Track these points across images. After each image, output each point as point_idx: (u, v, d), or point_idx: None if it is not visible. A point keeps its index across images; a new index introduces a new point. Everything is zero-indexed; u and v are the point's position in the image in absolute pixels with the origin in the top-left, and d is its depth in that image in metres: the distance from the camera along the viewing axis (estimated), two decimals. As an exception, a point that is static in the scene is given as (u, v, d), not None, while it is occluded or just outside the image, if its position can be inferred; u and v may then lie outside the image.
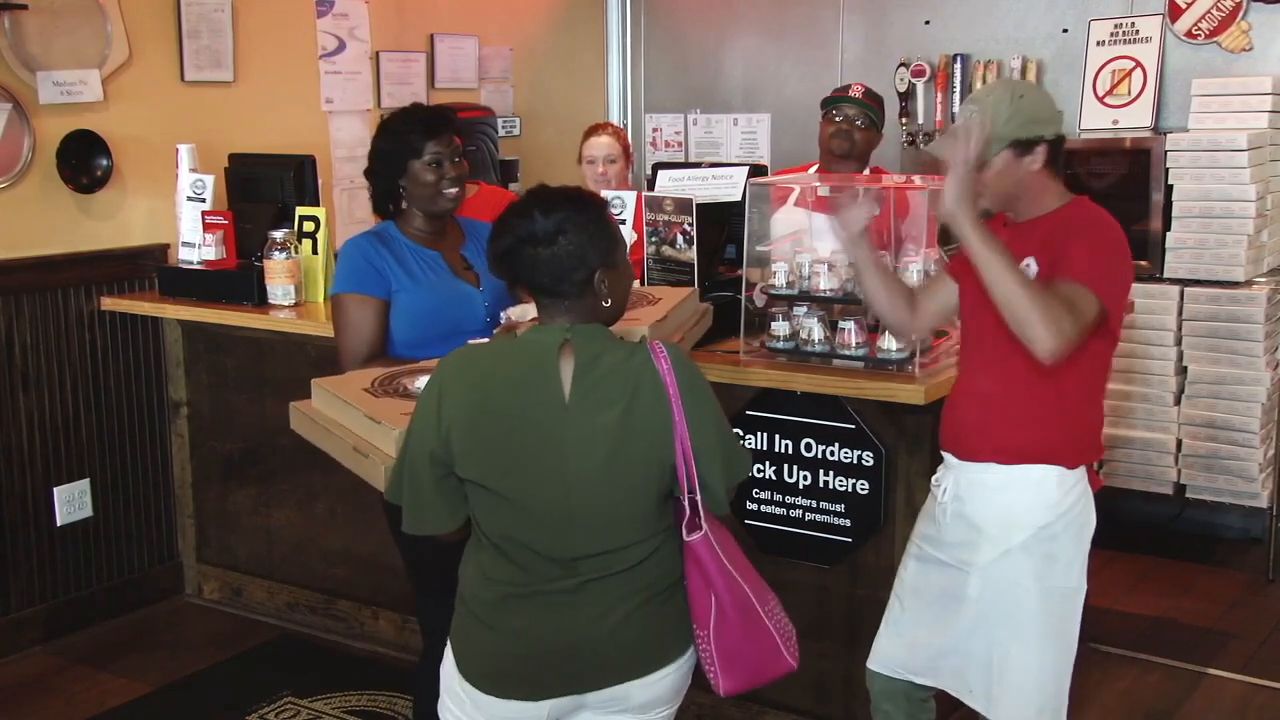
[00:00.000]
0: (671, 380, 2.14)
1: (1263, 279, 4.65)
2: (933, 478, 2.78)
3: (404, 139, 3.03)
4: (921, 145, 5.57)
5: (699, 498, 2.18)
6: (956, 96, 5.47)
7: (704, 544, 2.18)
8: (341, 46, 5.21)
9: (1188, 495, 4.77)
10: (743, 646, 2.22)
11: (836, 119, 4.19)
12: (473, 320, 3.03)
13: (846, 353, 3.12)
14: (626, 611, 2.18)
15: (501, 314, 2.93)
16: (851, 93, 4.22)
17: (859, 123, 4.16)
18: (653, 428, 2.14)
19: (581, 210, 2.20)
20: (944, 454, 2.74)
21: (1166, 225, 4.67)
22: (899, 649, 2.78)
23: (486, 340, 2.51)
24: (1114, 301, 2.51)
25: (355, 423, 2.60)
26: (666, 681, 2.25)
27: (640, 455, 2.14)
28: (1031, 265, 2.54)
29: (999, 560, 2.61)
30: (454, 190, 3.05)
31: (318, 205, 4.22)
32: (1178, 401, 4.72)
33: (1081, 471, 2.63)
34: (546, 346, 2.16)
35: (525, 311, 2.91)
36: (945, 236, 3.23)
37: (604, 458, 2.13)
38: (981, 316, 2.70)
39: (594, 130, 4.49)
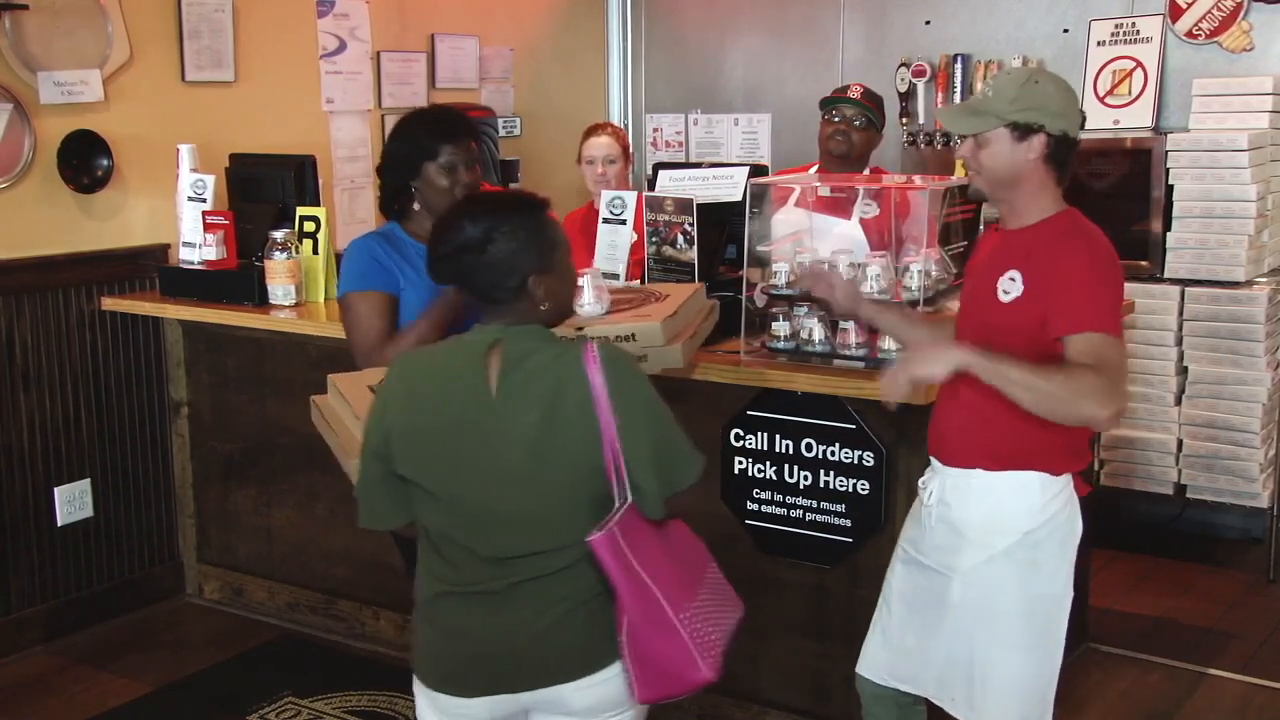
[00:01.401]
0: (599, 381, 2.12)
1: (1263, 279, 4.65)
2: (920, 480, 2.78)
3: (419, 141, 3.01)
4: (922, 145, 5.57)
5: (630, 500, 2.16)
6: (957, 96, 5.47)
7: (604, 544, 2.12)
8: (342, 46, 5.21)
9: (1188, 495, 4.77)
10: (654, 654, 2.16)
11: (835, 119, 4.19)
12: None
13: (847, 353, 3.12)
14: (558, 614, 2.18)
15: None
16: (850, 93, 4.22)
17: (857, 123, 4.16)
18: (577, 428, 2.13)
19: (511, 217, 2.21)
20: (931, 457, 2.75)
21: (1167, 225, 4.68)
22: (886, 654, 2.77)
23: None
24: (1120, 326, 2.49)
25: (348, 420, 2.61)
26: (607, 687, 2.21)
27: (566, 456, 2.14)
28: (1017, 279, 2.52)
29: (982, 566, 2.60)
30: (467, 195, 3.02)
31: (318, 205, 4.22)
32: (1178, 402, 4.72)
33: (1067, 478, 2.61)
34: (478, 346, 2.19)
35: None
36: (946, 236, 3.23)
37: (529, 457, 2.14)
38: (965, 323, 2.71)
39: (593, 130, 4.49)
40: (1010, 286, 2.53)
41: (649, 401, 2.19)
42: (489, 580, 2.19)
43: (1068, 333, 2.42)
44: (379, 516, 2.30)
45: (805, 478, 3.29)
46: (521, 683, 2.21)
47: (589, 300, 2.98)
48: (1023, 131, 2.50)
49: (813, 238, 3.51)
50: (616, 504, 2.15)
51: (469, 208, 2.26)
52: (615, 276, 3.51)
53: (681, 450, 2.22)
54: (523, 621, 2.18)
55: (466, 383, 2.17)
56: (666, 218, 3.45)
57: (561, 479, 2.14)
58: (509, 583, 2.18)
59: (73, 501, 4.35)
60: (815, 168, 4.33)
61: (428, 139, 3.00)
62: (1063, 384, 2.34)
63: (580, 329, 2.88)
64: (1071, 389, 2.34)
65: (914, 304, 3.06)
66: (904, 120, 5.62)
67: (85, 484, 4.38)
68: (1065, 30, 5.32)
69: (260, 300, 4.11)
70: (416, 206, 3.07)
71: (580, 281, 2.99)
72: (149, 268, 4.47)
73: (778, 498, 3.34)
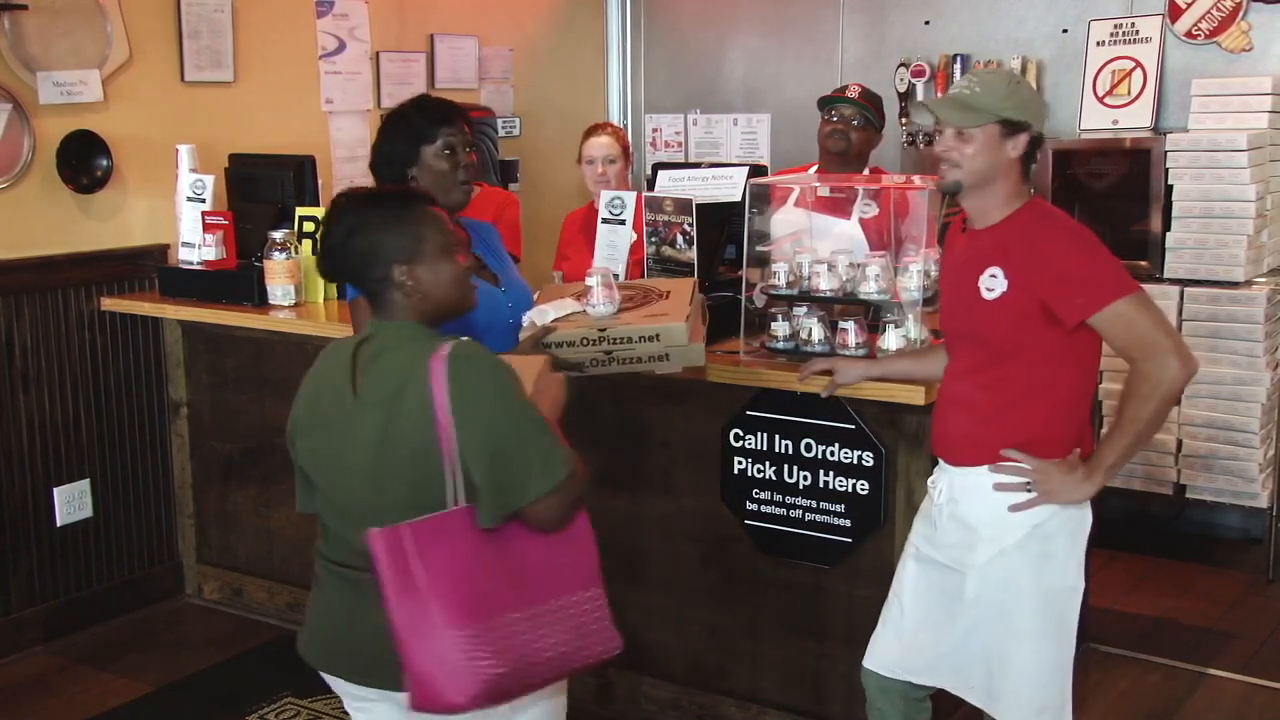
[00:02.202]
0: (440, 384, 2.08)
1: (1263, 279, 4.65)
2: (929, 479, 2.79)
3: (416, 126, 2.97)
4: (921, 144, 5.57)
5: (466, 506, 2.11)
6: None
7: (380, 542, 2.05)
8: (341, 47, 5.21)
9: (1188, 495, 4.77)
10: (411, 664, 2.08)
11: (833, 119, 4.18)
12: (499, 320, 2.96)
13: (846, 353, 3.11)
14: None
15: (524, 317, 2.92)
16: (848, 93, 4.22)
17: (855, 122, 4.16)
18: (416, 430, 2.10)
19: (372, 209, 2.24)
20: (937, 458, 2.75)
21: (1166, 225, 4.68)
22: (898, 650, 2.78)
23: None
24: (1132, 281, 2.52)
25: None
26: None
27: (406, 457, 2.12)
28: (999, 275, 2.54)
29: (995, 560, 2.61)
30: (469, 180, 2.97)
31: (318, 205, 4.22)
32: (1178, 401, 4.72)
33: None
34: (353, 342, 2.23)
35: (544, 314, 2.92)
36: (945, 237, 3.23)
37: (374, 457, 2.14)
38: (953, 326, 2.72)
39: (594, 130, 4.48)
40: (993, 284, 2.55)
41: (494, 407, 2.11)
42: (354, 571, 2.20)
43: (1092, 313, 2.47)
44: (301, 500, 2.39)
45: (805, 478, 3.29)
46: (356, 674, 2.24)
47: (599, 300, 2.97)
48: (1011, 129, 2.54)
49: (812, 238, 3.51)
50: (448, 507, 2.10)
51: (338, 204, 2.30)
52: (615, 277, 3.51)
53: (530, 460, 2.10)
54: (366, 616, 2.17)
55: (336, 379, 2.21)
56: (666, 218, 3.45)
57: (403, 480, 2.13)
58: (363, 576, 2.15)
59: (72, 502, 4.35)
60: (814, 168, 4.33)
61: (423, 124, 2.95)
62: (1143, 398, 2.47)
63: (602, 330, 2.87)
64: (1150, 395, 2.46)
65: (913, 304, 3.07)
66: (903, 120, 5.62)
67: (85, 484, 4.38)
68: (1065, 30, 5.32)
69: (260, 300, 4.11)
70: None
71: (589, 281, 2.99)
72: (148, 268, 4.47)
73: (777, 498, 3.34)
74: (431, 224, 2.25)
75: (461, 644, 2.04)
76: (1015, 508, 2.58)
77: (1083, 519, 2.65)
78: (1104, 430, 2.89)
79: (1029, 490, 2.58)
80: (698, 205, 3.39)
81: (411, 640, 2.05)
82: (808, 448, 3.28)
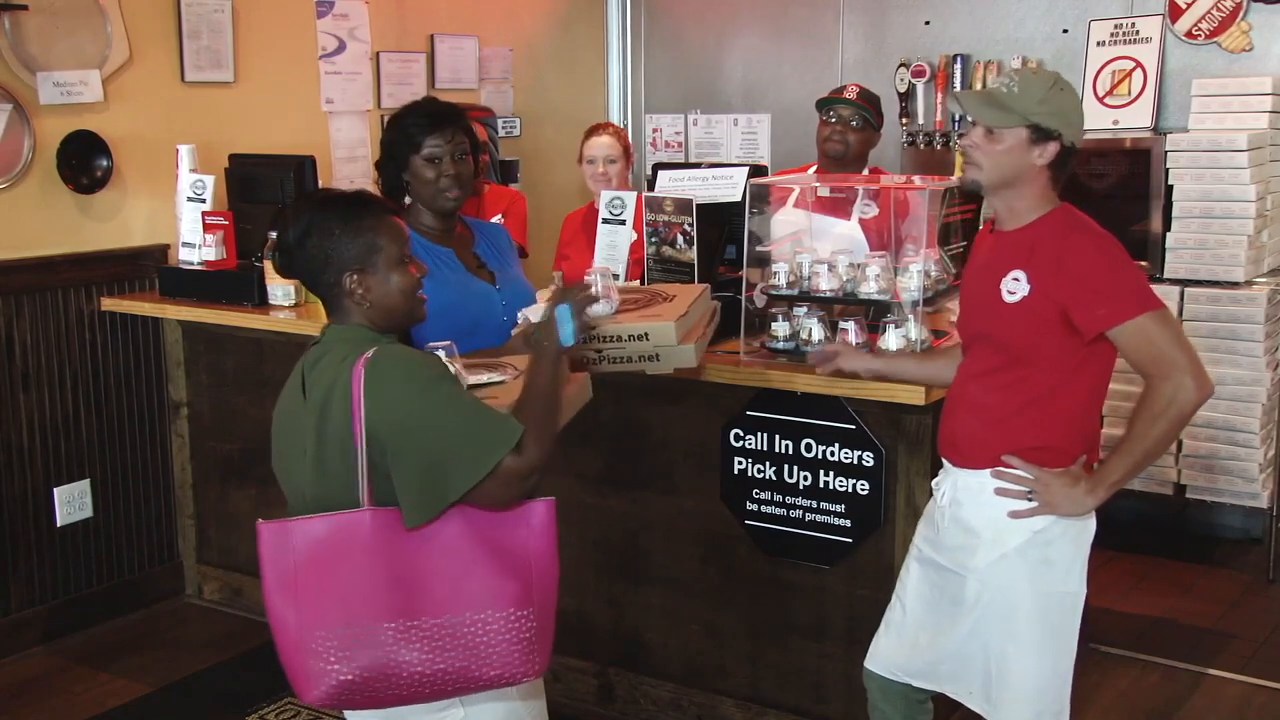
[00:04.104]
0: (359, 388, 2.09)
1: (1263, 279, 4.65)
2: (933, 481, 2.79)
3: (406, 131, 2.99)
4: (921, 145, 5.56)
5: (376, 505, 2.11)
6: (956, 97, 5.47)
7: (264, 534, 2.09)
8: (342, 47, 5.21)
9: (1188, 495, 4.77)
10: (281, 656, 2.16)
11: (831, 120, 4.18)
12: (491, 318, 2.99)
13: (847, 352, 3.12)
14: None
15: (519, 314, 2.92)
16: (846, 93, 4.21)
17: (853, 123, 4.15)
18: (342, 434, 2.11)
19: (328, 214, 2.23)
20: (943, 459, 2.75)
21: (1166, 225, 4.68)
22: (898, 651, 2.78)
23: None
24: (1156, 297, 2.50)
25: None
26: None
27: (336, 461, 2.12)
28: (1022, 279, 2.52)
29: (995, 564, 2.60)
30: (454, 190, 2.99)
31: (318, 205, 4.22)
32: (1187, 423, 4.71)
33: None
34: (310, 345, 2.26)
35: (539, 311, 2.91)
36: (945, 236, 3.24)
37: (314, 459, 2.15)
38: (971, 327, 2.72)
39: (595, 130, 4.49)
40: (1015, 287, 2.53)
41: (405, 408, 2.08)
42: None
43: (1112, 325, 2.45)
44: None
45: (805, 478, 3.29)
46: None
47: (598, 299, 2.97)
48: (1041, 135, 2.50)
49: (812, 238, 3.51)
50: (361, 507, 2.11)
51: (298, 203, 2.30)
52: (615, 277, 3.51)
53: (452, 453, 2.07)
54: None
55: (294, 381, 2.24)
56: (666, 218, 3.45)
57: (336, 484, 2.13)
58: None
59: (72, 502, 4.35)
60: (814, 168, 4.32)
61: (413, 131, 2.98)
62: (1154, 417, 2.47)
63: (592, 328, 2.87)
64: (1161, 415, 2.46)
65: (914, 304, 3.07)
66: (903, 121, 5.62)
67: (85, 484, 4.38)
68: (1065, 30, 5.32)
69: (259, 300, 4.11)
70: (408, 200, 3.05)
71: (588, 279, 2.99)
72: (148, 268, 4.47)
73: (777, 498, 3.34)
74: (386, 234, 2.24)
75: (315, 644, 2.09)
76: (1014, 514, 2.57)
77: (1085, 525, 2.64)
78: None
79: (1030, 499, 2.57)
80: (698, 205, 3.39)
81: (278, 633, 2.11)
82: (808, 448, 3.28)
